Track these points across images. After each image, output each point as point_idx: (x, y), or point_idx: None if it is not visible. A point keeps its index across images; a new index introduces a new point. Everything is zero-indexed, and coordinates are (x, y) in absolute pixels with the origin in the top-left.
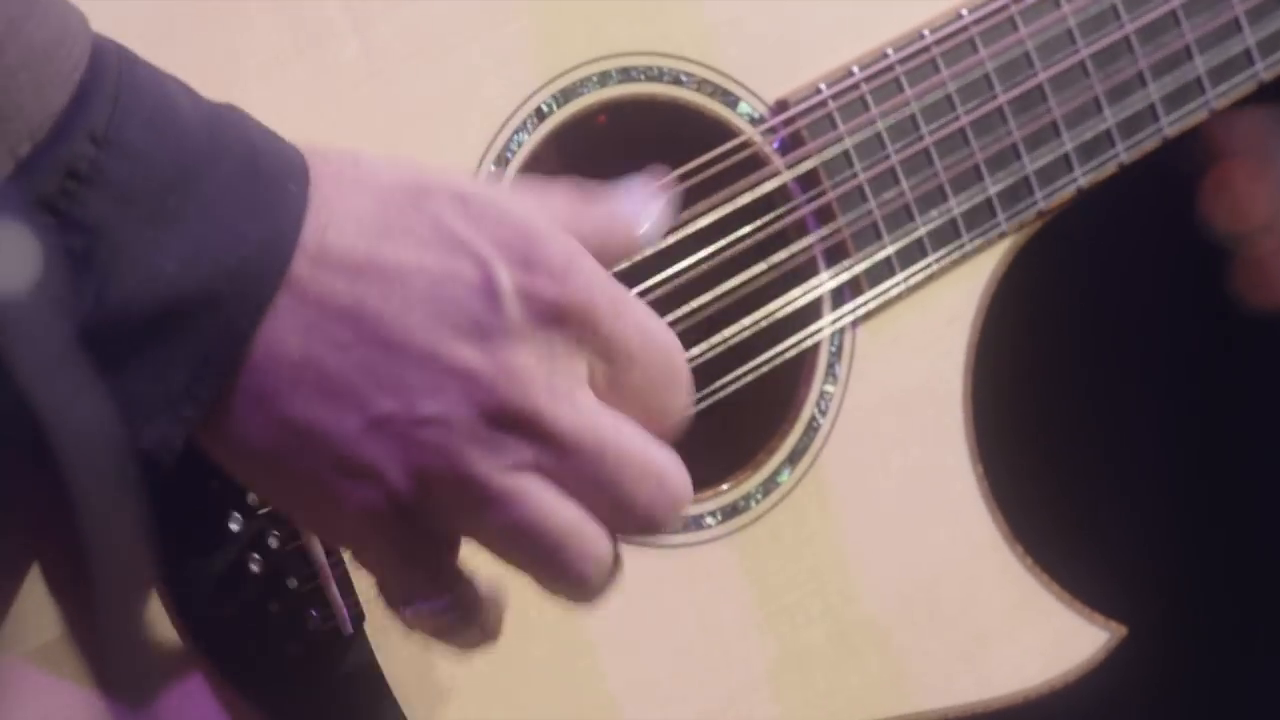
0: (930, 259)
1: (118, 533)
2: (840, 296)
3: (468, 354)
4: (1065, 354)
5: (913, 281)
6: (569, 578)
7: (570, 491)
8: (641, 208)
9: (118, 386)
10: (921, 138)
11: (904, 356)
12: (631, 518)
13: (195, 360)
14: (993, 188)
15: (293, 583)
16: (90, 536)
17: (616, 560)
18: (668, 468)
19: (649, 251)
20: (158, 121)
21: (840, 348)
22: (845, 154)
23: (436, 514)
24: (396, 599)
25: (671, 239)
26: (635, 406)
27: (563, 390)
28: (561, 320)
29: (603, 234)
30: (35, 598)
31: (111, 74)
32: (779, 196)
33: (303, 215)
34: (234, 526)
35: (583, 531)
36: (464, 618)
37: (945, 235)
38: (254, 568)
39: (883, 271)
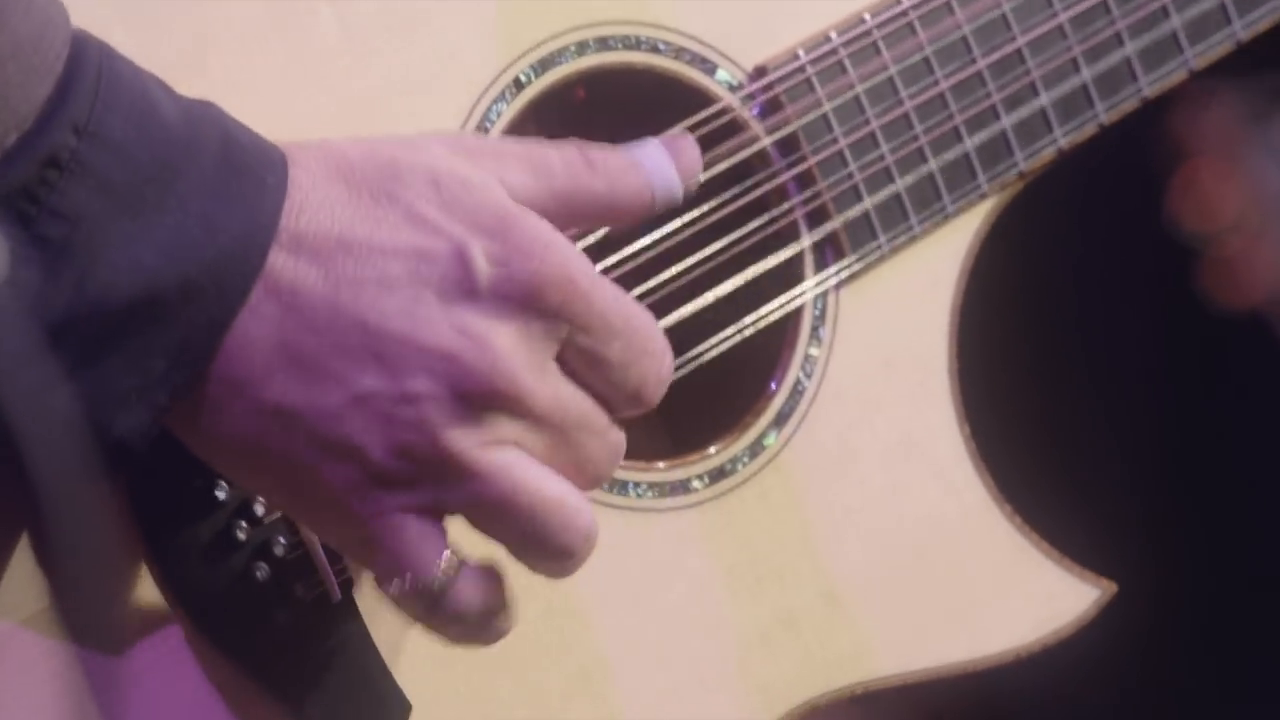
0: (912, 221)
1: (83, 525)
2: (823, 260)
3: (444, 334)
4: (1052, 312)
5: (895, 244)
6: (552, 549)
7: (548, 464)
8: (653, 165)
9: (94, 375)
10: (900, 101)
11: (888, 319)
12: (591, 481)
13: (172, 350)
14: (973, 149)
15: (280, 550)
16: (54, 527)
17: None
18: (620, 440)
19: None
20: (137, 115)
21: (824, 311)
22: (824, 118)
23: (419, 489)
24: (383, 576)
25: None
26: (616, 377)
27: (538, 367)
28: (537, 296)
29: (608, 195)
30: (29, 567)
31: (92, 67)
32: (759, 162)
33: (280, 207)
34: (220, 495)
35: (566, 504)
36: (457, 600)
37: (926, 197)
38: (240, 535)
39: (865, 234)
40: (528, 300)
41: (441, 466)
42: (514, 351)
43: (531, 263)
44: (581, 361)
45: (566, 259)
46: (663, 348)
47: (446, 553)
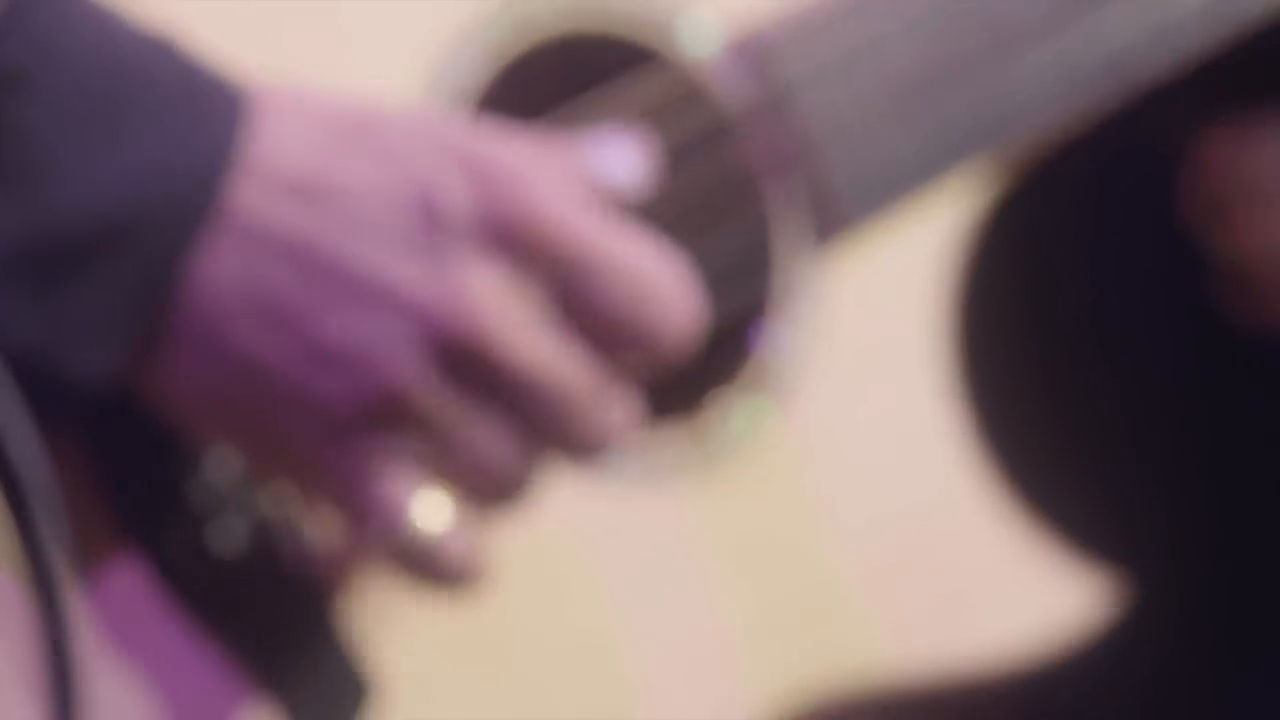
0: (900, 191)
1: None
2: (803, 231)
3: (412, 279)
4: (1061, 283)
5: (882, 214)
6: (508, 504)
7: (521, 421)
8: (616, 153)
9: (49, 308)
10: (885, 68)
11: (872, 298)
12: (576, 451)
13: (130, 284)
14: (963, 121)
15: (243, 516)
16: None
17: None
18: (617, 415)
19: None
20: (93, 40)
21: (806, 285)
22: (801, 85)
23: (389, 438)
24: (357, 522)
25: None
26: (614, 325)
27: (514, 319)
28: (512, 234)
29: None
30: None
31: None
32: (736, 126)
33: (244, 137)
34: (179, 456)
35: (522, 470)
36: (446, 550)
37: (911, 170)
38: (199, 499)
39: (844, 209)
40: (498, 242)
41: (407, 421)
42: (483, 297)
43: (501, 201)
44: (579, 312)
45: (538, 196)
46: (675, 291)
47: (424, 497)
